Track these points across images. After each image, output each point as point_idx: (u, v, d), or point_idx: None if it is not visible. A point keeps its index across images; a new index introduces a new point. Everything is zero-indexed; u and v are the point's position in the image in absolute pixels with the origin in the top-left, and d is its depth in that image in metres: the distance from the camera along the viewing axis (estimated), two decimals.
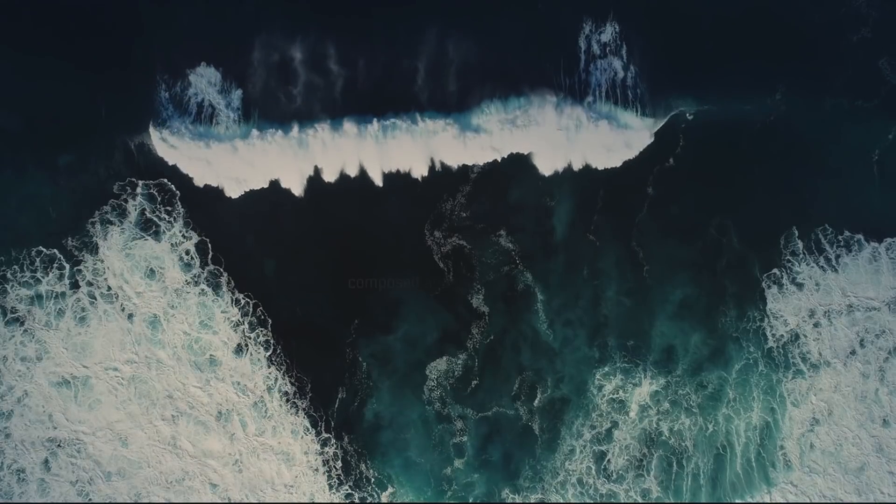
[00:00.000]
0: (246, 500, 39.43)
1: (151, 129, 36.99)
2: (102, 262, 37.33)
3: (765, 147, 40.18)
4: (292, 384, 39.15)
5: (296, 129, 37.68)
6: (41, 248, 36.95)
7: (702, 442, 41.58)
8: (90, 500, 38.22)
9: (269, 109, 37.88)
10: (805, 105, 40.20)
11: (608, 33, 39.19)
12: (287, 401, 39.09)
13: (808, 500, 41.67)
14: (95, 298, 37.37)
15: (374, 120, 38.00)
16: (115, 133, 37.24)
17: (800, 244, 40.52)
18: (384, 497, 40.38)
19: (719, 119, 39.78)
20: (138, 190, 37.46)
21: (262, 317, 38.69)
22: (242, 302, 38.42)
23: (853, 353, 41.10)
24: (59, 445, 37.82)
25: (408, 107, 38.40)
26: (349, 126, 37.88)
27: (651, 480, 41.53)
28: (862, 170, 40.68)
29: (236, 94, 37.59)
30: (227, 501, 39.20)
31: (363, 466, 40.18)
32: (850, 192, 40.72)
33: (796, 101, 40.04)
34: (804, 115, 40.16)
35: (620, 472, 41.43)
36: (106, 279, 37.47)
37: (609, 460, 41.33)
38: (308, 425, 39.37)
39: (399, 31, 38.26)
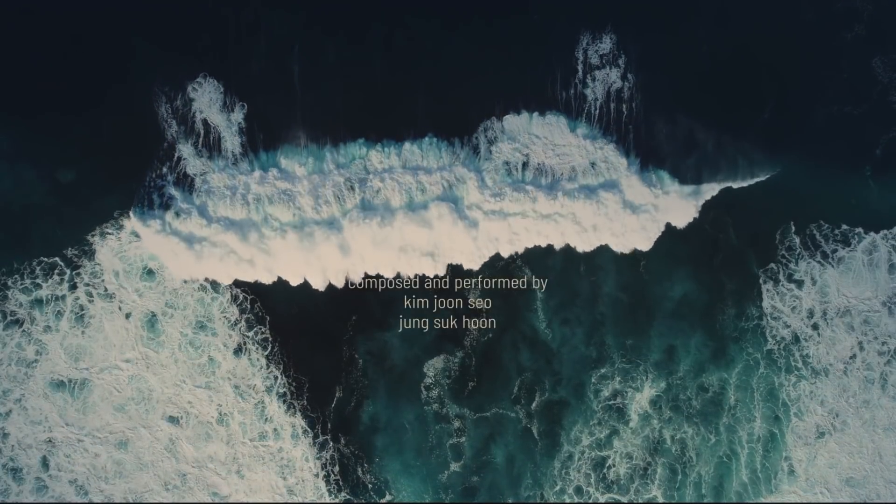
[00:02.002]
0: (246, 502, 39.03)
1: (133, 217, 37.21)
2: (100, 265, 37.60)
3: (759, 146, 40.29)
4: (290, 383, 39.04)
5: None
6: (42, 258, 37.33)
7: (705, 451, 40.97)
8: (89, 500, 37.94)
9: (271, 128, 38.36)
10: (799, 107, 40.40)
11: (606, 46, 39.58)
12: (285, 402, 38.93)
13: (813, 501, 40.98)
14: (93, 297, 37.54)
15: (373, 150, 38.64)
16: (118, 151, 37.58)
17: (796, 239, 40.35)
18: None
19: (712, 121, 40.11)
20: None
21: (260, 313, 38.81)
22: (241, 297, 38.56)
23: (853, 357, 40.61)
24: (55, 446, 37.65)
25: (408, 132, 38.96)
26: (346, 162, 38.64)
27: (655, 489, 40.91)
28: (857, 170, 40.63)
29: (239, 114, 37.97)
30: (226, 502, 38.83)
31: (360, 471, 39.75)
32: (846, 190, 40.62)
33: (791, 102, 40.22)
34: (798, 117, 40.35)
35: (622, 482, 40.83)
36: (103, 280, 37.69)
37: (609, 468, 40.76)
38: (306, 426, 39.16)
39: (396, 47, 38.82)
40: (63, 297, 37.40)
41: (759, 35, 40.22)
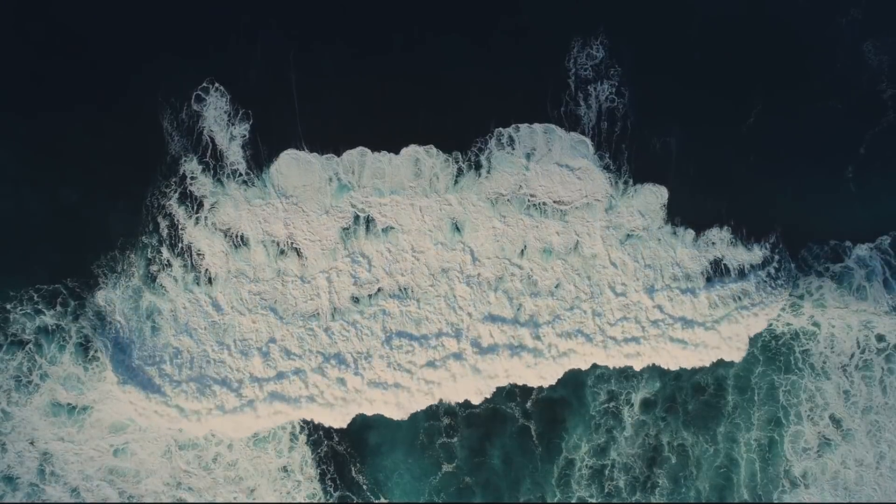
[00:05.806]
0: (245, 501, 39.01)
1: (117, 383, 36.88)
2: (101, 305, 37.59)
3: (749, 153, 39.99)
4: None
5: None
6: (42, 285, 36.78)
7: (704, 461, 40.31)
8: (82, 500, 38.00)
9: (273, 141, 38.38)
10: (790, 107, 40.03)
11: (598, 54, 39.41)
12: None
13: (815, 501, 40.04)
14: (95, 331, 37.37)
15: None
16: (121, 165, 37.40)
17: (792, 265, 39.99)
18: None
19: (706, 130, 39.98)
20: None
21: None
22: None
23: (853, 356, 39.95)
24: (52, 455, 37.43)
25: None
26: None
27: (655, 497, 40.39)
28: (840, 175, 40.30)
29: (241, 126, 37.98)
30: (225, 502, 38.85)
31: (353, 470, 39.52)
32: (830, 201, 40.30)
33: (783, 101, 39.87)
34: (791, 118, 40.02)
35: (624, 494, 40.33)
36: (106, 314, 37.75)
37: (608, 476, 40.25)
38: (302, 422, 39.01)
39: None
40: (68, 329, 36.92)
41: (755, 31, 40.06)
